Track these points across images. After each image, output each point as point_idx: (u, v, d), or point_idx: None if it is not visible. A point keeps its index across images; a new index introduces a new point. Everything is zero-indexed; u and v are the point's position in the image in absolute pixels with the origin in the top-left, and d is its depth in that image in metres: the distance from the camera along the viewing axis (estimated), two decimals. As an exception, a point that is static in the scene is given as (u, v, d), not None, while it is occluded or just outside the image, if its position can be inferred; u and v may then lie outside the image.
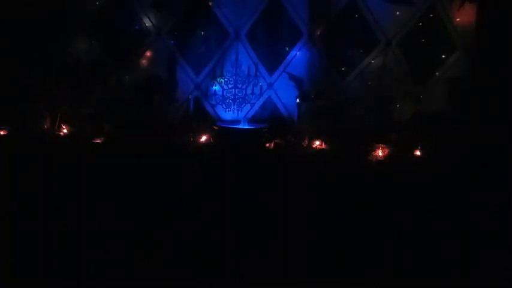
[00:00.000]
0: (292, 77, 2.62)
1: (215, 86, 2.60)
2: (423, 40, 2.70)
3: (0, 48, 2.29)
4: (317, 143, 2.49)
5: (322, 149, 2.46)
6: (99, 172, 2.18)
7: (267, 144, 2.46)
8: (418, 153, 2.51)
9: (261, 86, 2.66)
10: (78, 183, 2.15)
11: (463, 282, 1.91)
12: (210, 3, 2.53)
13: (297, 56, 2.64)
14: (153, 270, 1.74)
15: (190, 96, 2.56)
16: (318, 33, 2.62)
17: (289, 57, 2.63)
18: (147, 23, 2.46)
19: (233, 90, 2.63)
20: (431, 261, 1.95)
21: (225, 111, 2.63)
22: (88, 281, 1.79)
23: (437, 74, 2.74)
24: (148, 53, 2.49)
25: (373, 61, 2.66)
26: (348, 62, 2.67)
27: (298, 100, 2.62)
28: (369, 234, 1.83)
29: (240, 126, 2.58)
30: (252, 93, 2.66)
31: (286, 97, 2.66)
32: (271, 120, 2.63)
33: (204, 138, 2.41)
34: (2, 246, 1.98)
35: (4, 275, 1.87)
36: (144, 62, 2.50)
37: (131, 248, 1.83)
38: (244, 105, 2.66)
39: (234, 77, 2.62)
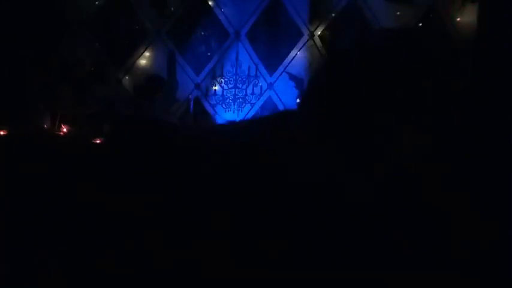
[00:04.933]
0: (292, 77, 2.63)
1: (215, 86, 2.61)
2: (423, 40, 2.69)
3: (0, 48, 2.30)
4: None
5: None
6: (99, 172, 2.18)
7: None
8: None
9: (261, 86, 2.67)
10: (78, 183, 2.15)
11: (463, 283, 1.90)
12: (210, 3, 2.53)
13: (297, 56, 2.64)
14: (152, 270, 1.73)
15: (190, 96, 2.56)
16: (319, 33, 2.63)
17: (289, 57, 2.64)
18: (147, 22, 2.47)
19: (233, 90, 2.63)
20: (431, 261, 1.94)
21: (225, 111, 2.63)
22: (87, 281, 1.78)
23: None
24: (148, 53, 2.49)
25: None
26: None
27: (298, 100, 2.63)
28: (367, 234, 1.82)
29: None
30: (252, 93, 2.66)
31: (286, 97, 2.66)
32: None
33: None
34: (2, 247, 1.98)
35: (3, 276, 1.87)
36: (144, 62, 2.50)
37: (131, 248, 1.82)
38: (245, 106, 2.66)
39: (234, 77, 2.62)
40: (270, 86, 2.67)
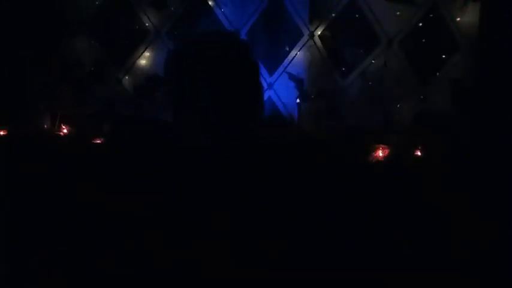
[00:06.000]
0: (292, 77, 2.62)
1: (215, 86, 2.60)
2: (424, 40, 2.69)
3: (0, 48, 2.30)
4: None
5: (322, 149, 2.45)
6: (99, 172, 2.18)
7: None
8: (418, 153, 2.50)
9: (261, 86, 2.66)
10: (78, 183, 2.15)
11: (463, 283, 1.90)
12: (210, 3, 2.53)
13: (297, 56, 2.63)
14: (152, 270, 1.73)
15: (190, 96, 2.55)
16: (319, 33, 2.62)
17: (289, 57, 2.63)
18: (147, 22, 2.46)
19: (233, 90, 2.62)
20: (431, 261, 1.94)
21: (225, 111, 2.62)
22: (87, 281, 1.78)
23: (438, 74, 2.73)
24: (148, 53, 2.49)
25: (373, 61, 2.65)
26: (348, 61, 2.66)
27: (298, 100, 2.62)
28: (367, 234, 1.82)
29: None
30: (252, 93, 2.65)
31: (286, 97, 2.66)
32: (271, 120, 2.63)
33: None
34: (2, 247, 1.98)
35: (3, 276, 1.87)
36: (144, 62, 2.50)
37: (131, 248, 1.82)
38: (245, 106, 2.65)
39: (234, 77, 2.61)
40: (270, 86, 2.67)
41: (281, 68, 2.65)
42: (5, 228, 2.01)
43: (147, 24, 2.48)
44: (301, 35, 2.64)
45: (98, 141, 2.32)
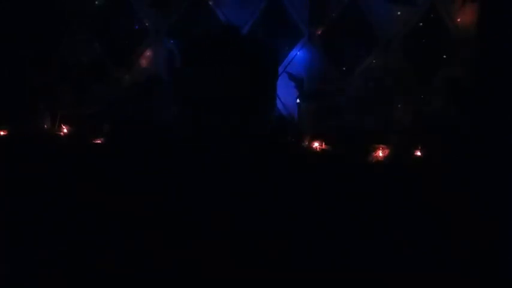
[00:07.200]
0: (292, 77, 2.62)
1: (215, 86, 2.60)
2: (424, 40, 2.69)
3: (0, 48, 2.30)
4: (316, 143, 2.49)
5: (322, 149, 2.46)
6: (99, 172, 2.18)
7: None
8: (418, 153, 2.51)
9: (261, 86, 2.65)
10: (78, 183, 2.14)
11: (463, 283, 1.90)
12: (210, 3, 2.53)
13: (297, 56, 2.63)
14: (152, 270, 1.72)
15: (190, 96, 2.55)
16: (319, 33, 2.62)
17: (289, 57, 2.63)
18: (147, 22, 2.46)
19: (233, 90, 2.62)
20: (431, 261, 1.94)
21: (225, 111, 2.62)
22: (87, 281, 1.78)
23: (438, 74, 2.73)
24: (148, 53, 2.49)
25: (374, 61, 2.65)
26: (348, 62, 2.66)
27: (298, 100, 2.62)
28: (367, 234, 1.82)
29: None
30: (252, 93, 2.65)
31: (286, 97, 2.66)
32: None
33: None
34: (2, 247, 1.98)
35: (3, 276, 1.86)
36: (143, 61, 2.50)
37: (131, 248, 1.82)
38: (245, 106, 2.65)
39: (234, 77, 2.61)
40: (270, 86, 2.66)
41: (281, 68, 2.65)
42: (5, 228, 2.01)
43: (147, 24, 2.48)
44: (301, 35, 2.64)
45: (98, 141, 2.32)
